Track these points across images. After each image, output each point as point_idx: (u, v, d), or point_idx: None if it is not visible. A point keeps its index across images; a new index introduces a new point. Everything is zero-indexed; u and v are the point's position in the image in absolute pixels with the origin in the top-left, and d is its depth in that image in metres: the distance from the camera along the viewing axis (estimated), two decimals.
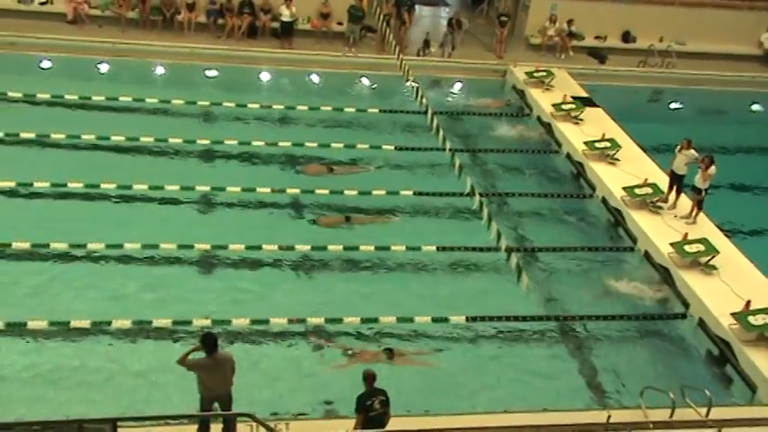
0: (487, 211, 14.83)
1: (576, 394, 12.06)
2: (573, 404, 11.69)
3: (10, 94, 18.17)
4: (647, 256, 15.15)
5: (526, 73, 21.96)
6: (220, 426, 9.72)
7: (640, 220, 15.68)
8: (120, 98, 18.65)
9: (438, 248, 14.90)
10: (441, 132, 17.28)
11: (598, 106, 20.45)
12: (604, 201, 16.86)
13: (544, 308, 13.90)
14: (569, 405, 11.61)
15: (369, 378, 9.79)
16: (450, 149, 16.95)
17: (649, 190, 16.23)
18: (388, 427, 9.59)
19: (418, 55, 22.84)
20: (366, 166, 17.39)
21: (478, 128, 20.14)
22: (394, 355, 12.27)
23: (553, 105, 20.06)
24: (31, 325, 11.82)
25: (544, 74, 21.71)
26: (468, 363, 12.58)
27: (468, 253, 14.90)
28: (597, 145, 18.05)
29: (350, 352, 12.24)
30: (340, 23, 22.93)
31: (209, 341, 9.75)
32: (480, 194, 15.53)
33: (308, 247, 14.44)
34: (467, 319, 13.23)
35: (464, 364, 12.55)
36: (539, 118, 20.48)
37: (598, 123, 19.31)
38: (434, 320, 13.15)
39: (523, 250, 15.20)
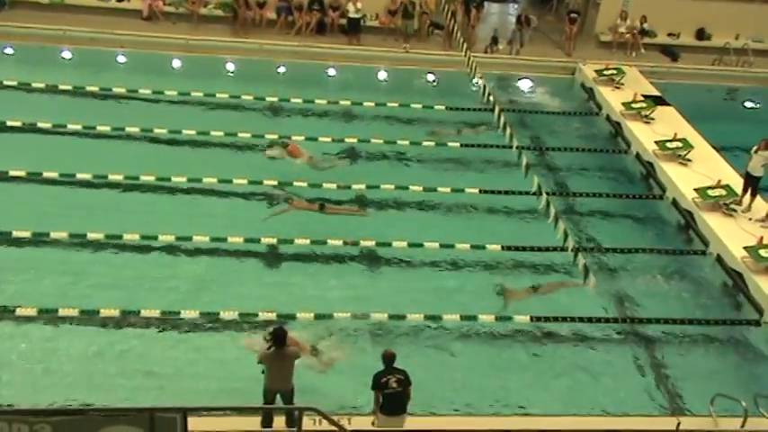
0: (554, 211, 14.62)
1: (643, 399, 11.80)
2: (640, 409, 11.45)
3: (88, 88, 18.74)
4: (719, 259, 14.71)
5: (596, 71, 21.57)
6: (283, 418, 9.90)
7: (713, 223, 15.23)
8: (192, 93, 19.06)
9: (503, 247, 14.76)
10: (508, 130, 17.11)
11: (670, 105, 19.96)
12: (675, 202, 16.42)
13: (611, 310, 13.64)
14: (636, 410, 11.37)
15: (387, 357, 9.99)
16: (517, 147, 16.77)
17: (723, 192, 15.75)
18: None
19: (486, 52, 22.68)
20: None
21: (546, 126, 19.89)
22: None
23: (623, 104, 19.65)
24: (104, 313, 12.17)
25: (614, 72, 21.29)
26: (533, 363, 12.44)
27: (534, 252, 14.73)
28: (669, 145, 17.60)
29: None
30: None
31: (278, 335, 10.00)
32: (547, 193, 15.32)
33: (373, 243, 14.48)
34: (531, 319, 13.09)
35: (528, 364, 12.42)
36: (608, 116, 20.09)
37: (670, 123, 18.83)
38: (498, 319, 13.05)
39: (590, 251, 14.94)
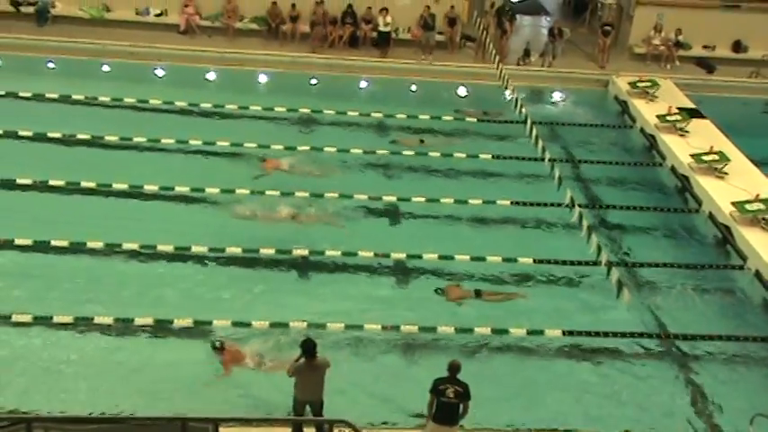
0: (587, 224, 14.52)
1: (677, 418, 11.62)
2: (673, 429, 11.27)
3: (126, 100, 19.08)
4: (757, 275, 14.45)
5: (629, 83, 21.41)
6: (313, 430, 9.94)
7: (751, 238, 14.97)
8: (226, 105, 19.31)
9: (535, 261, 14.69)
10: (540, 142, 17.05)
11: (705, 118, 19.72)
12: (711, 216, 16.20)
13: (645, 325, 13.48)
14: (670, 429, 11.20)
15: (451, 367, 10.04)
16: (549, 159, 16.70)
17: (761, 206, 15.51)
18: None
19: (518, 64, 22.66)
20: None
21: (579, 138, 19.76)
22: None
23: (658, 116, 19.46)
24: (138, 321, 12.35)
25: (648, 84, 21.11)
26: (563, 379, 12.33)
27: (567, 266, 14.62)
28: (705, 158, 17.39)
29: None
30: (441, 33, 23.05)
31: (308, 347, 10.06)
32: (580, 206, 15.23)
33: (404, 255, 14.50)
34: (563, 333, 12.98)
35: (558, 379, 12.31)
36: (642, 129, 19.92)
37: (705, 136, 18.61)
38: (529, 333, 12.97)
39: (624, 265, 14.79)
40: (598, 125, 20.50)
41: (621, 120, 20.97)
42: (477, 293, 13.89)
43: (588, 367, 12.61)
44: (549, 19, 26.90)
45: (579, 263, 14.54)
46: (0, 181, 15.33)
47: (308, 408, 10.20)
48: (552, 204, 16.02)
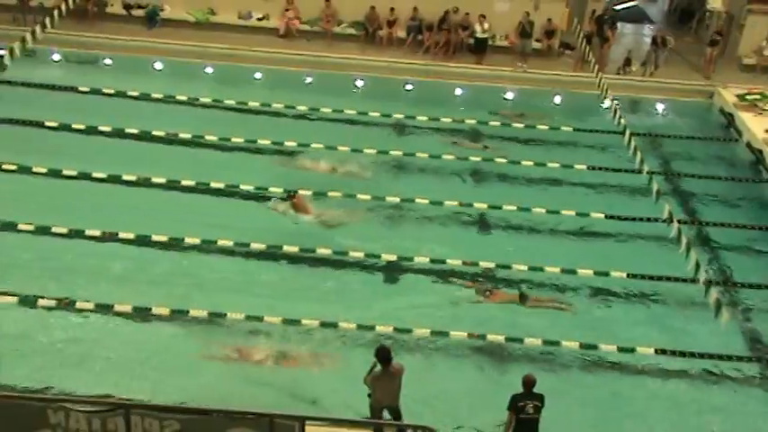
0: (686, 240, 14.01)
1: None
2: None
3: (225, 101, 19.68)
4: None
5: (737, 95, 20.54)
6: None
7: None
8: (322, 109, 19.62)
9: (628, 275, 14.28)
10: (638, 154, 16.57)
11: None
12: None
13: (745, 348, 12.89)
14: None
15: (527, 382, 9.95)
16: (647, 172, 16.21)
17: None
18: None
19: (618, 73, 22.11)
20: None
21: (680, 151, 19.11)
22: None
23: (767, 131, 18.58)
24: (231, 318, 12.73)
25: (758, 97, 20.21)
26: (656, 402, 11.93)
27: (662, 283, 14.16)
28: None
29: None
30: (538, 40, 22.76)
31: (383, 353, 10.14)
32: (679, 221, 14.72)
33: (493, 264, 14.38)
34: (656, 352, 12.58)
35: (650, 402, 11.92)
36: (749, 143, 19.06)
37: None
38: (620, 350, 12.63)
39: (724, 284, 14.19)
40: (701, 138, 19.75)
41: (726, 133, 20.13)
42: (522, 298, 13.67)
43: (681, 389, 12.16)
44: (652, 27, 26.12)
45: (676, 279, 14.06)
46: (107, 176, 16.05)
47: (385, 412, 10.29)
48: (649, 219, 15.57)
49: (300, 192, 15.78)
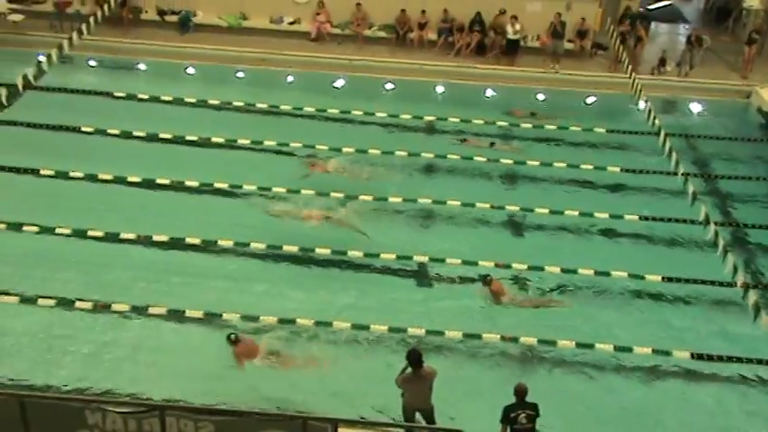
0: (723, 243, 13.78)
1: None
2: None
3: (258, 105, 19.82)
4: None
5: None
6: None
7: None
8: (353, 111, 19.68)
9: (664, 278, 14.10)
10: (674, 155, 16.35)
11: None
12: None
13: None
14: None
15: (520, 391, 9.84)
16: (683, 174, 15.98)
17: None
18: None
19: (652, 73, 21.84)
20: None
21: (716, 152, 18.82)
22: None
23: None
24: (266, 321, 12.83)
25: None
26: (691, 406, 11.76)
27: (698, 286, 13.94)
28: None
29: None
30: (570, 41, 22.59)
31: (414, 357, 10.16)
32: (715, 223, 14.49)
33: (525, 267, 14.27)
34: (692, 356, 12.39)
35: (686, 405, 11.77)
36: None
37: None
38: (654, 352, 12.47)
39: (763, 287, 13.93)
40: (738, 138, 19.42)
41: (764, 133, 19.79)
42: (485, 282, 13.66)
43: (718, 395, 11.97)
44: (687, 26, 25.76)
45: (712, 283, 13.84)
46: (142, 180, 16.26)
47: (418, 415, 10.29)
48: (685, 221, 15.37)
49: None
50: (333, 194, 16.00)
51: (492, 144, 18.58)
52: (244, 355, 11.91)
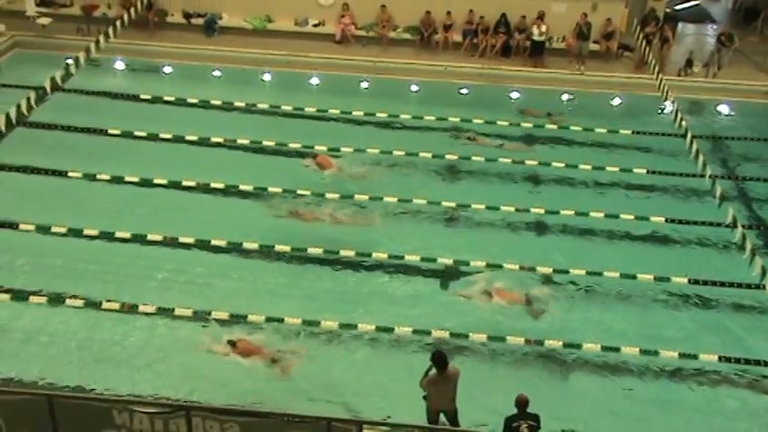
0: (751, 246, 13.61)
1: None
2: None
3: (283, 107, 19.91)
4: None
5: None
6: None
7: None
8: (377, 114, 19.69)
9: (690, 281, 13.97)
10: (701, 157, 16.18)
11: None
12: None
13: None
14: None
15: (520, 402, 9.80)
16: (710, 176, 15.81)
17: None
18: None
19: (679, 75, 21.62)
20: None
21: (744, 154, 18.60)
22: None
23: None
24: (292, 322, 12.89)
25: None
26: (717, 405, 11.65)
27: (726, 289, 13.78)
28: None
29: None
30: (596, 42, 22.44)
31: (439, 358, 10.17)
32: (743, 226, 14.31)
33: (550, 270, 14.22)
34: (719, 359, 12.26)
35: (713, 407, 11.64)
36: None
37: None
38: (681, 356, 12.36)
39: None
40: (766, 140, 19.15)
41: None
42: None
43: (746, 396, 11.85)
44: (714, 26, 25.47)
45: (740, 285, 13.67)
46: (168, 182, 16.41)
47: (442, 416, 10.29)
48: (711, 223, 15.19)
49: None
50: (358, 196, 16.04)
51: (500, 145, 18.50)
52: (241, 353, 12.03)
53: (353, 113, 19.72)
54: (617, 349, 12.45)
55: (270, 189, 16.31)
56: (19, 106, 16.85)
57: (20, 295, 13.15)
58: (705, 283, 13.94)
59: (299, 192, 16.22)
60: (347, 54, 22.55)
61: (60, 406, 8.12)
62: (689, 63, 21.88)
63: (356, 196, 16.13)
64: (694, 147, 16.52)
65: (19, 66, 21.14)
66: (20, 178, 16.35)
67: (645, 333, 13.02)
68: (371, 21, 23.27)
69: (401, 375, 11.70)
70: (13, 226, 14.75)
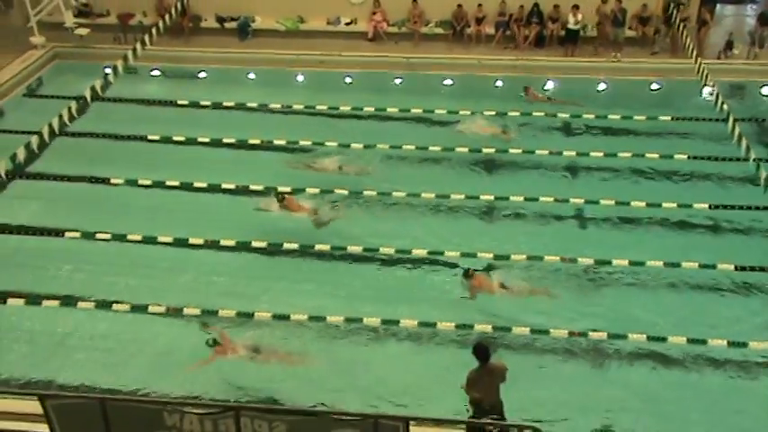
0: None
1: None
2: None
3: (318, 107, 19.98)
4: None
5: None
6: None
7: None
8: (412, 109, 19.65)
9: (736, 268, 13.72)
10: (744, 141, 15.85)
11: None
12: None
13: None
14: None
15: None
16: (754, 160, 15.49)
17: None
18: None
19: (719, 58, 21.19)
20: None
21: None
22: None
23: None
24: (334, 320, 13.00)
25: None
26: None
27: None
28: None
29: None
30: (631, 28, 22.10)
31: (481, 351, 10.07)
32: None
33: (592, 261, 14.09)
34: None
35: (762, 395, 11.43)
36: None
37: None
38: (730, 344, 12.14)
39: None
40: None
41: None
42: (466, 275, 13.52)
43: None
44: (754, 7, 24.89)
45: None
46: (207, 186, 16.60)
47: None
48: (758, 208, 14.89)
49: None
50: (395, 193, 16.07)
51: (504, 132, 18.41)
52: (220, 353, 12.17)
53: (387, 110, 19.62)
54: (664, 339, 12.28)
55: (308, 190, 16.38)
56: (61, 116, 17.19)
57: (67, 301, 13.44)
58: (752, 269, 13.69)
59: (336, 191, 16.24)
60: (380, 51, 22.53)
61: (113, 409, 8.28)
62: (729, 45, 21.43)
63: (393, 194, 16.13)
64: (737, 130, 16.18)
65: (59, 77, 21.57)
66: (62, 187, 16.70)
67: (691, 320, 12.82)
68: (403, 17, 23.23)
69: (442, 372, 11.70)
70: (59, 234, 15.08)
